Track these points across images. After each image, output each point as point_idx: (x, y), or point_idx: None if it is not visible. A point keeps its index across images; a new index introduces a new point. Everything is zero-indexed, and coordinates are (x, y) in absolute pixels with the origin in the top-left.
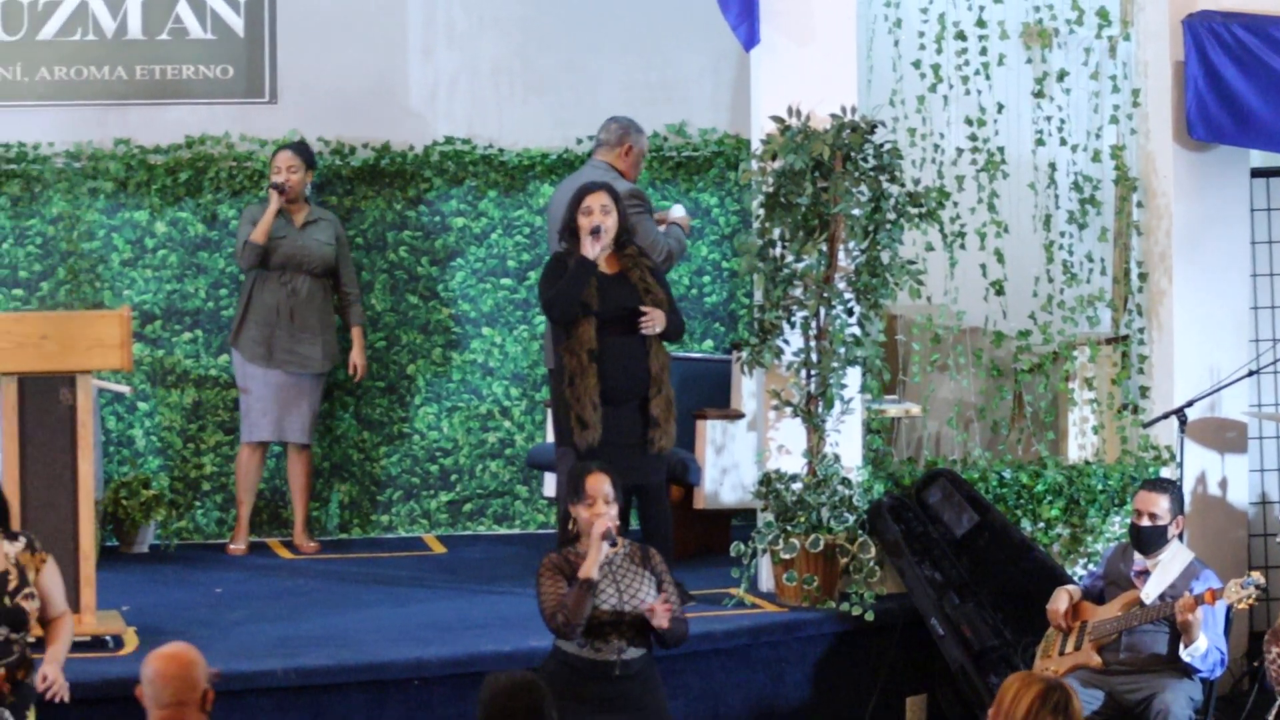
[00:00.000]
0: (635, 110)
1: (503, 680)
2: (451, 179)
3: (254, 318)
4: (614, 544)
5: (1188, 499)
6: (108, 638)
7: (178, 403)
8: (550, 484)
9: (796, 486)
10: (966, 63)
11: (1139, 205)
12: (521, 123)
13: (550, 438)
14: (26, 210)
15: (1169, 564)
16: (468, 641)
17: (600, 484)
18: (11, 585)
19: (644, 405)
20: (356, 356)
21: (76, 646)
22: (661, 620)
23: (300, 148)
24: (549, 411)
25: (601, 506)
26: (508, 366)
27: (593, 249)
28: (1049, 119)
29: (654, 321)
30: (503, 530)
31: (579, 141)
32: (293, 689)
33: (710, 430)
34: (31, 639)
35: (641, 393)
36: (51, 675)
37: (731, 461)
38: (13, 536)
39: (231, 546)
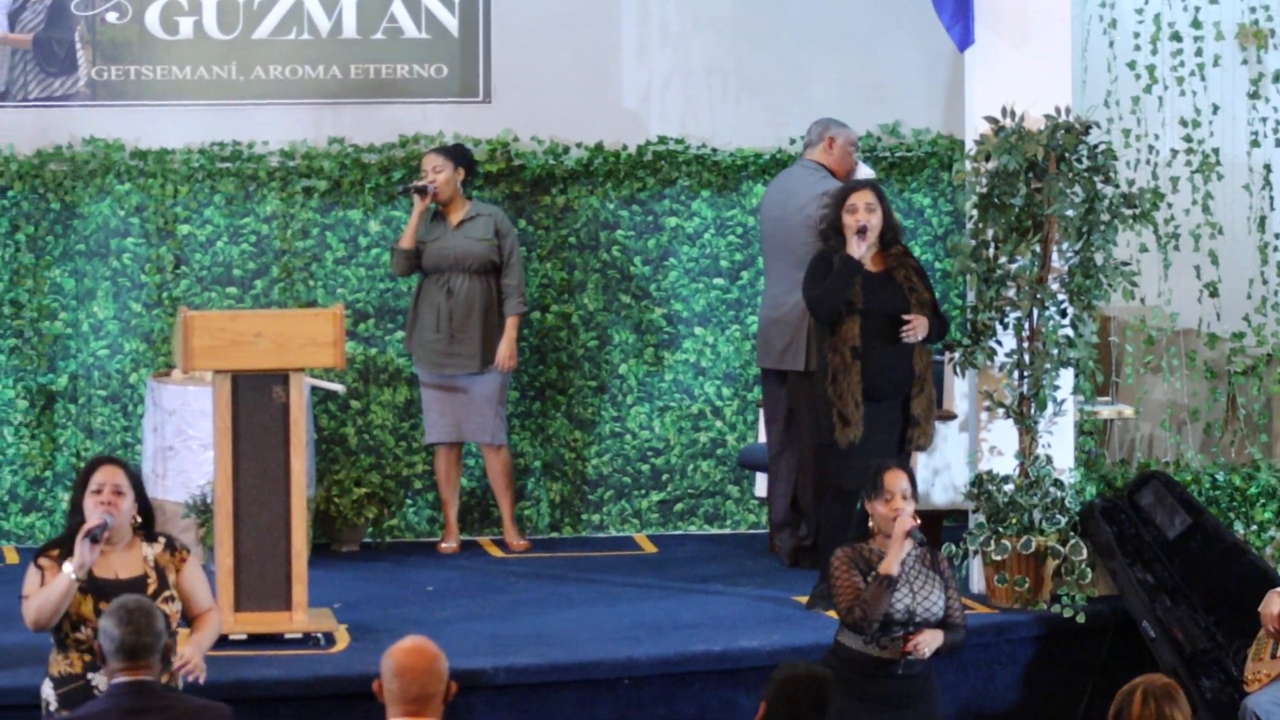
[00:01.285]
0: (848, 110)
1: (800, 670)
2: (664, 179)
3: (420, 321)
4: (921, 542)
5: None
6: (319, 635)
7: (389, 401)
8: (761, 484)
9: (1008, 488)
10: (1181, 64)
11: None
12: (734, 122)
13: (762, 438)
14: (241, 209)
15: None
16: (678, 641)
17: (899, 479)
18: (151, 589)
19: (905, 404)
20: (503, 347)
21: (288, 644)
22: None
23: (448, 149)
24: (760, 411)
25: (900, 502)
26: (719, 366)
27: (858, 248)
28: (1264, 120)
29: (915, 331)
30: (713, 530)
31: (792, 141)
32: (503, 687)
33: None
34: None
35: (904, 391)
36: (189, 655)
37: (943, 462)
38: (152, 539)
39: (443, 545)
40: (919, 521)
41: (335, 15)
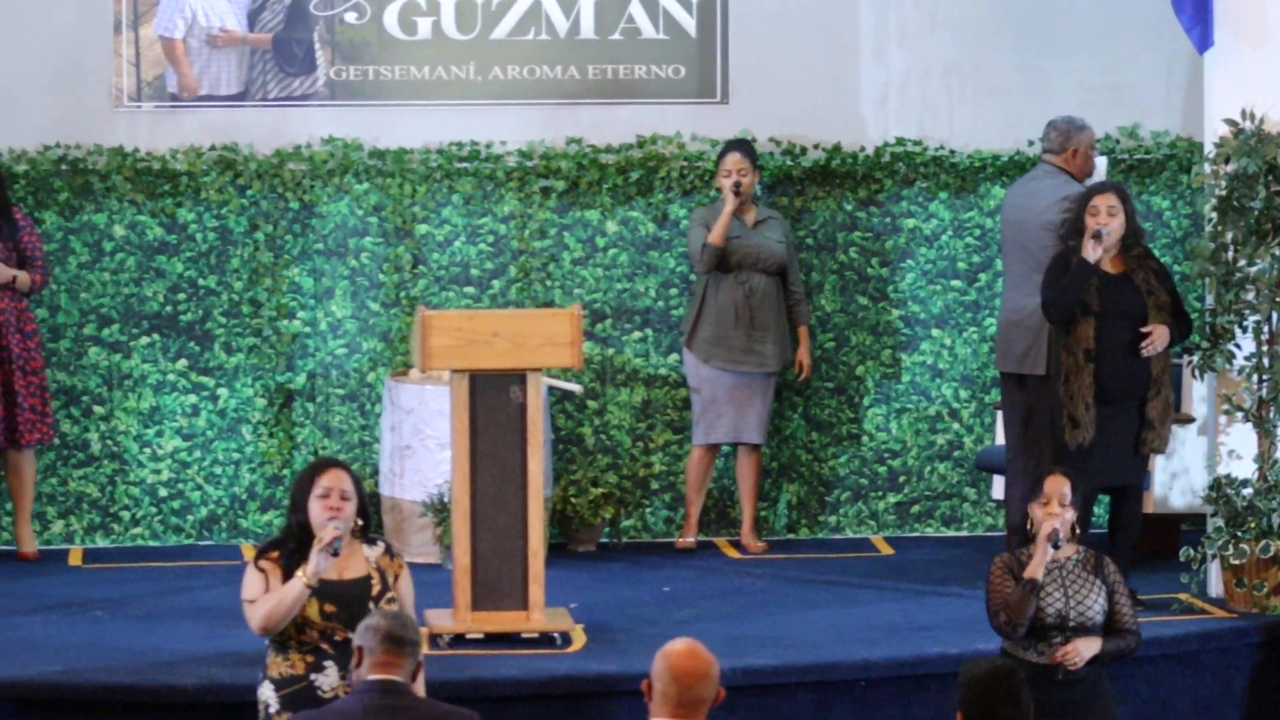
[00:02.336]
0: (1087, 112)
1: (983, 666)
2: (902, 180)
3: (710, 318)
4: (1057, 546)
5: None
6: (555, 635)
7: (627, 401)
8: (998, 486)
9: (1247, 492)
10: None
11: None
12: (972, 124)
13: (999, 440)
14: (479, 208)
15: None
16: (915, 643)
17: (1059, 485)
18: (375, 590)
19: (1141, 406)
20: (803, 356)
21: (525, 643)
22: None
23: (748, 147)
24: (998, 414)
25: (1055, 508)
26: (957, 368)
27: (1094, 252)
28: None
29: (1154, 344)
30: (950, 532)
31: (1030, 144)
32: (739, 688)
33: None
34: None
35: (1140, 393)
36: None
37: (1181, 466)
38: (371, 541)
39: (680, 540)
40: (1067, 527)
41: (573, 16)
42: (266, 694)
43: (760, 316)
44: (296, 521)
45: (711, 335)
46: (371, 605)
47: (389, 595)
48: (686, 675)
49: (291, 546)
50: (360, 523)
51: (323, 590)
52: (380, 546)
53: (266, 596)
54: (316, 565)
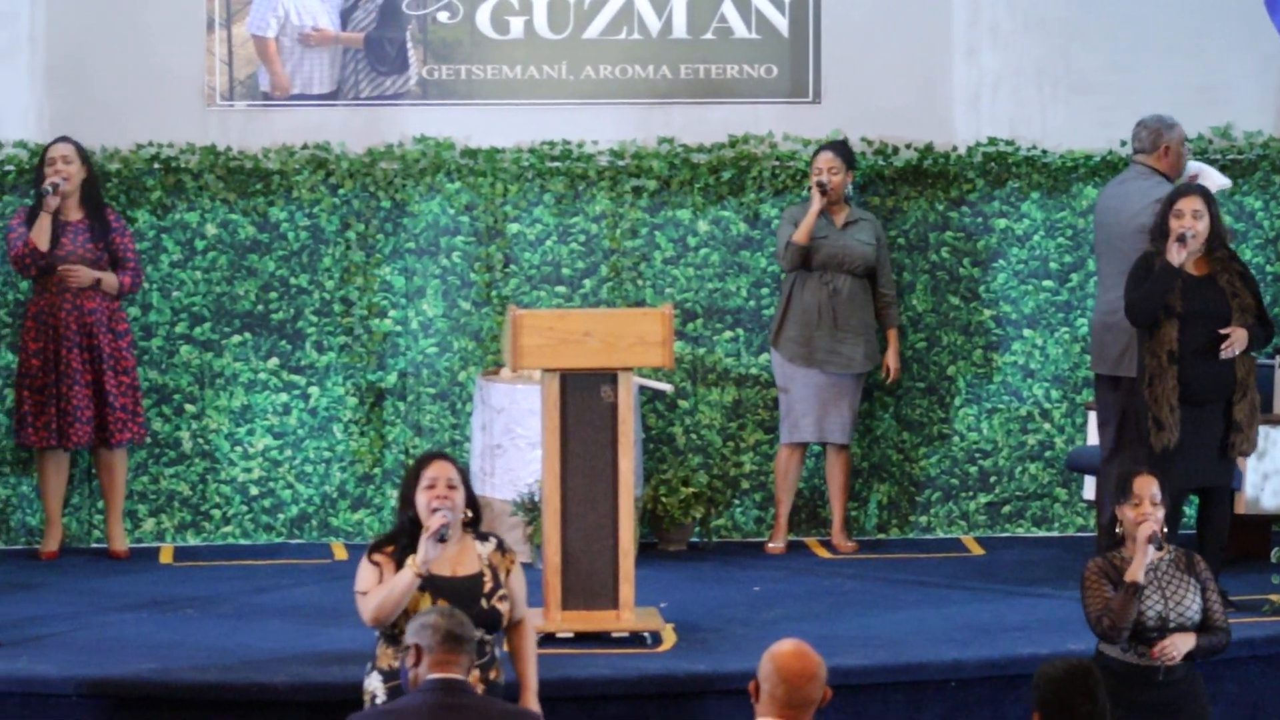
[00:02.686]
0: (1179, 112)
1: (1058, 666)
2: (994, 180)
3: (795, 318)
4: (1159, 547)
5: None
6: (646, 634)
7: (718, 401)
8: (1090, 487)
9: None
10: None
11: None
12: (1064, 124)
13: (1091, 440)
14: (570, 208)
15: None
16: (1005, 644)
17: (1148, 485)
18: (487, 587)
19: (1227, 408)
20: (891, 359)
21: (615, 642)
22: None
23: (841, 148)
24: (1090, 414)
25: (1148, 508)
26: (1048, 369)
27: (1178, 255)
28: None
29: (1233, 345)
30: (1041, 533)
31: (1123, 144)
32: (829, 688)
33: None
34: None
35: (1225, 395)
36: (533, 702)
37: (1273, 467)
38: (483, 538)
39: (770, 545)
40: (1164, 528)
41: (665, 15)
42: (374, 684)
43: (845, 317)
44: (407, 517)
45: (796, 335)
46: (484, 603)
47: (501, 593)
48: (795, 676)
49: (404, 542)
50: (470, 514)
51: (434, 585)
52: (492, 543)
53: (378, 588)
54: (426, 554)
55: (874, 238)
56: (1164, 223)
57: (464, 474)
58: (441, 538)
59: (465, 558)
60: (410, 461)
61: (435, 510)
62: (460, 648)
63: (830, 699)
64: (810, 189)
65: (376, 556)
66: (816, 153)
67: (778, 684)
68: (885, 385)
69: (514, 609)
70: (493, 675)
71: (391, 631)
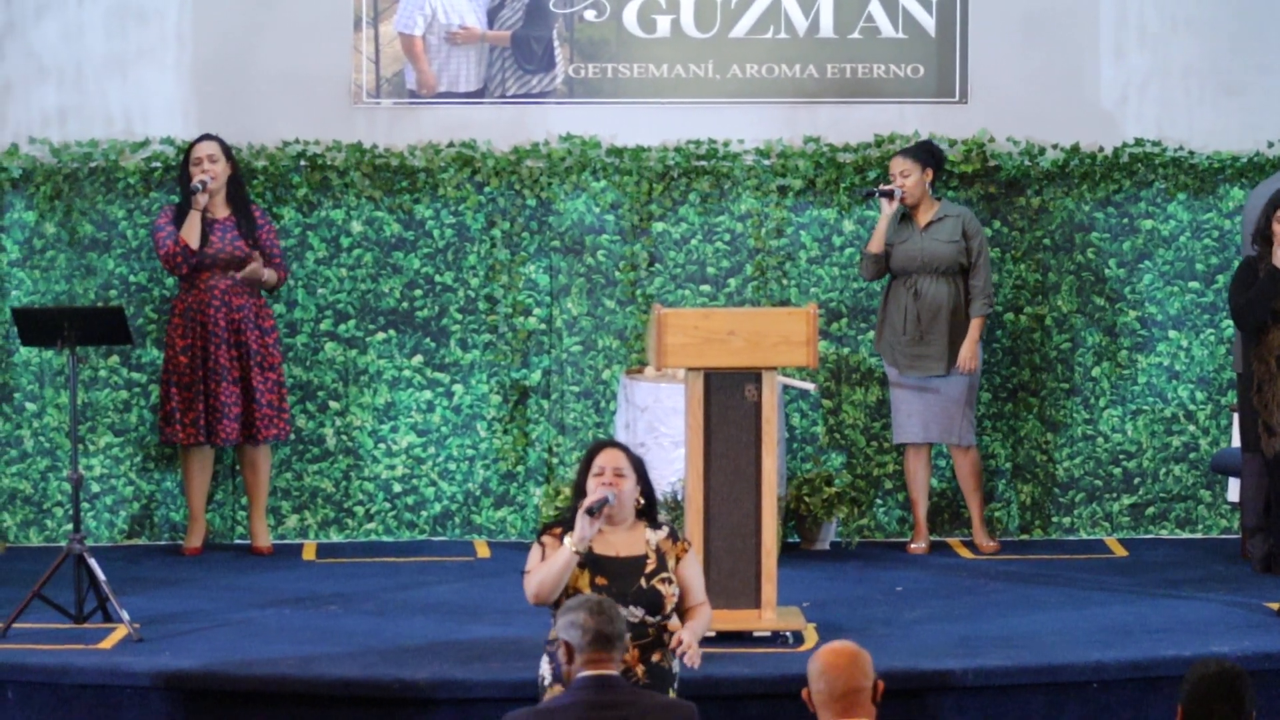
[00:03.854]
0: None
1: (1210, 666)
2: (1140, 181)
3: (888, 321)
4: None
5: None
6: (787, 634)
7: (861, 400)
8: (1234, 489)
9: None
10: None
11: None
12: (1212, 125)
13: (1236, 442)
14: (715, 207)
15: None
16: (1147, 645)
17: None
18: (649, 568)
19: None
20: (965, 348)
21: (757, 641)
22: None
23: (916, 150)
24: (1234, 416)
25: None
26: (1194, 370)
27: None
28: None
29: None
30: (1185, 535)
31: (1270, 145)
32: (971, 689)
33: None
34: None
35: None
36: (686, 640)
37: None
38: (656, 526)
39: (912, 546)
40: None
41: (812, 14)
42: (545, 669)
43: (928, 320)
44: (578, 503)
45: (889, 339)
46: (643, 582)
47: (664, 575)
48: (832, 669)
49: (573, 524)
50: (642, 501)
51: (594, 563)
52: (664, 530)
53: (540, 566)
54: (581, 530)
55: (961, 233)
56: (1267, 227)
57: (638, 463)
58: (591, 512)
59: (632, 540)
60: (554, 460)
61: (599, 493)
62: (610, 646)
63: (884, 690)
64: (878, 197)
65: (545, 538)
66: (890, 158)
67: (818, 680)
68: (1030, 385)
69: (687, 595)
70: (655, 658)
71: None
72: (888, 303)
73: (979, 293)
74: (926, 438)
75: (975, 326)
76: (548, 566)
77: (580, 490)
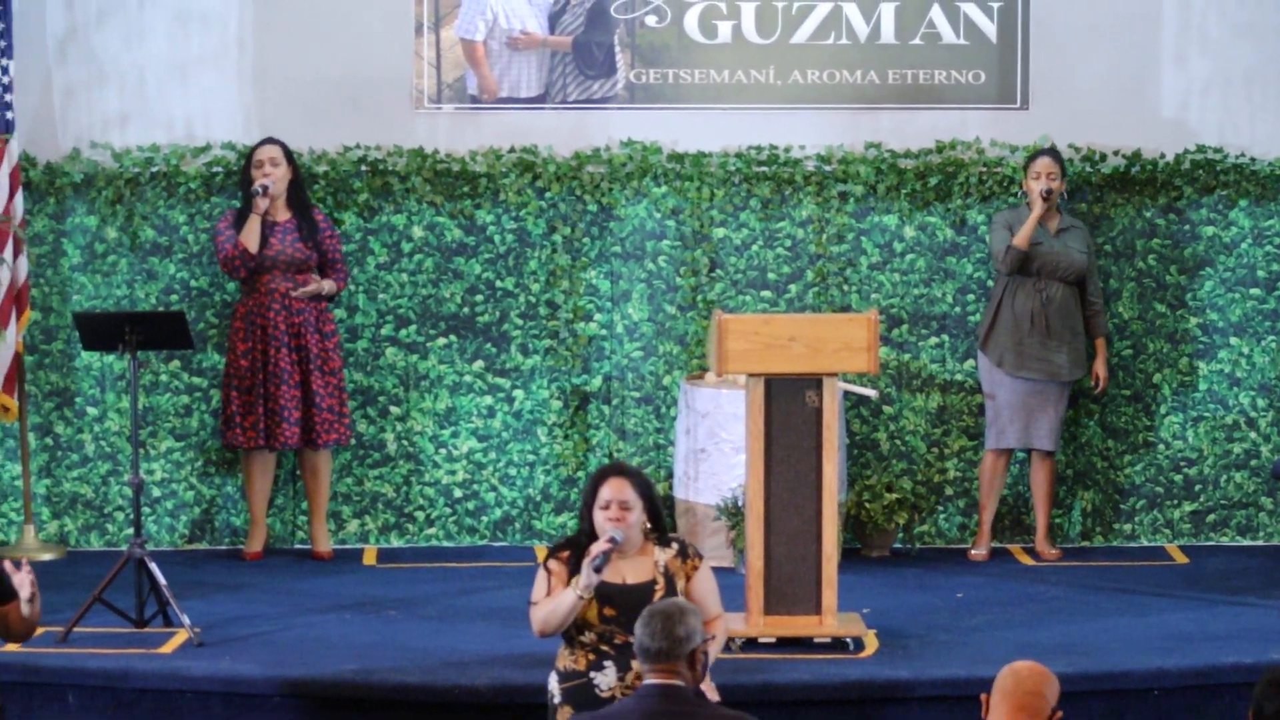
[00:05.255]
0: None
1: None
2: (1202, 187)
3: (1005, 323)
4: None
5: None
6: (848, 640)
7: (922, 407)
8: None
9: None
10: None
11: None
12: (1274, 132)
13: None
14: (776, 212)
15: None
16: (1209, 653)
17: None
18: (657, 595)
19: None
20: (1099, 367)
21: (817, 648)
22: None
23: (1060, 155)
24: None
25: None
26: (1255, 377)
27: None
28: None
29: None
30: (1246, 542)
31: None
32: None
33: None
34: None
35: None
36: None
37: None
38: (666, 543)
39: (973, 552)
40: None
41: (874, 20)
42: (552, 685)
43: (1056, 325)
44: (584, 529)
45: (1006, 341)
46: None
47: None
48: (1015, 692)
49: (579, 551)
50: (649, 525)
51: (603, 593)
52: (673, 549)
53: (545, 601)
54: (587, 579)
55: (1085, 245)
56: None
57: (646, 485)
58: (597, 568)
59: (640, 566)
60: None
61: (608, 529)
62: (650, 658)
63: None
64: (1029, 194)
65: (551, 563)
66: (1034, 157)
67: (999, 700)
68: (1091, 392)
69: (700, 611)
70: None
71: (566, 634)
72: (1005, 303)
73: (1099, 309)
74: (1026, 443)
75: (1103, 345)
76: (553, 605)
77: (586, 515)
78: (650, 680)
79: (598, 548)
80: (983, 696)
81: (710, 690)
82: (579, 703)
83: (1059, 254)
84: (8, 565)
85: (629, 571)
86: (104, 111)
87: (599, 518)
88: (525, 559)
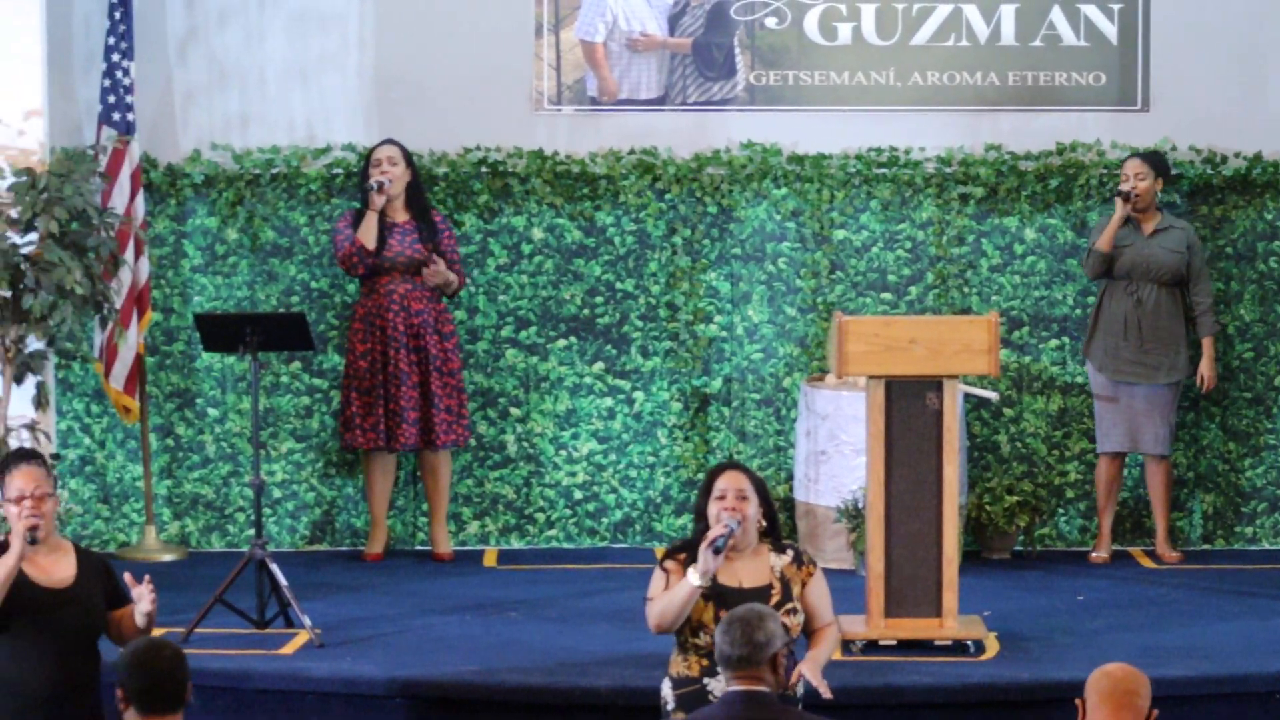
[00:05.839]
0: None
1: None
2: None
3: (1104, 328)
4: None
5: None
6: (969, 643)
7: (1043, 409)
8: None
9: None
10: None
11: None
12: None
13: None
14: (896, 214)
15: None
16: None
17: None
18: (773, 600)
19: None
20: (1205, 368)
21: (938, 650)
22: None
23: (1151, 156)
24: None
25: None
26: None
27: None
28: None
29: None
30: None
31: None
32: (1153, 699)
33: None
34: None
35: None
36: (808, 672)
37: None
38: (781, 549)
39: (1094, 555)
40: None
41: (994, 22)
42: (666, 691)
43: (1151, 327)
44: (700, 527)
45: (1103, 344)
46: None
47: (789, 606)
48: (1111, 694)
49: (699, 545)
50: (764, 524)
51: (719, 595)
52: (789, 555)
53: (662, 596)
54: (704, 563)
55: (1184, 246)
56: None
57: (760, 485)
58: (716, 549)
59: (757, 569)
60: None
61: (723, 520)
62: (733, 666)
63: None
64: (1115, 197)
65: (668, 563)
66: (1125, 159)
67: (1097, 702)
68: (1212, 395)
69: (814, 619)
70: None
71: (681, 640)
72: (1104, 308)
73: (1206, 310)
74: (1132, 447)
75: (1209, 345)
76: (670, 597)
77: (701, 514)
78: (734, 687)
79: (715, 532)
80: (1077, 701)
81: (823, 689)
82: (693, 709)
83: (1148, 255)
84: (128, 577)
85: (745, 575)
86: (224, 113)
87: (714, 509)
88: (645, 561)
